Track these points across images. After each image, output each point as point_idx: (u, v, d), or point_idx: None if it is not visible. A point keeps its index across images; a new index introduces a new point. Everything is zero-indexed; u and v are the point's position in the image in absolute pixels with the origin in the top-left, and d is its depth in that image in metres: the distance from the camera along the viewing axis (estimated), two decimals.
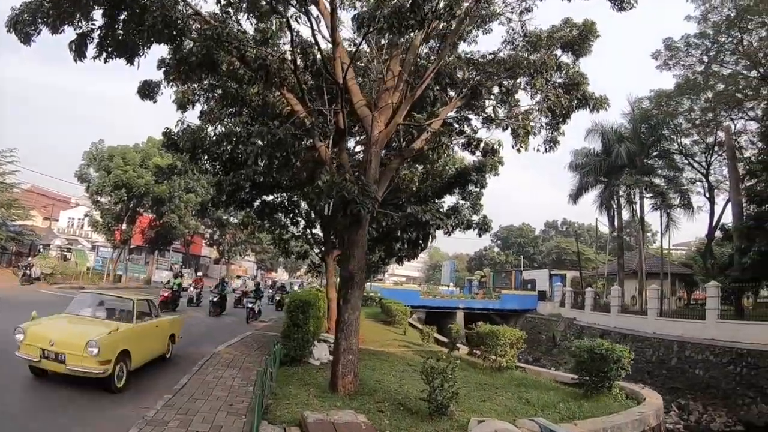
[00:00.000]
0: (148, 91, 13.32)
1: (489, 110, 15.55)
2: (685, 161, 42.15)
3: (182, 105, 15.47)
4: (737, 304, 28.71)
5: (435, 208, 10.79)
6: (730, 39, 32.40)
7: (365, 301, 47.46)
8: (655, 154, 42.40)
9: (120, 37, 10.36)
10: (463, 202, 22.11)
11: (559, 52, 14.93)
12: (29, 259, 39.64)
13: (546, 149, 15.41)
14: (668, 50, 35.21)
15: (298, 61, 11.55)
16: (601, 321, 38.13)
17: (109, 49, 10.24)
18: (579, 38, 14.71)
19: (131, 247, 57.93)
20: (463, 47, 16.27)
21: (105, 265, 52.97)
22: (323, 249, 23.01)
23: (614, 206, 45.06)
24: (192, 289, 33.04)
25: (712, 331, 26.31)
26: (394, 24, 8.70)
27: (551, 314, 48.06)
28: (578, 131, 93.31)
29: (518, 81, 15.03)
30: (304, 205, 22.22)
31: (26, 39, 10.09)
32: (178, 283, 28.80)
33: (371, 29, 9.55)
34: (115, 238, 48.21)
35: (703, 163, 41.31)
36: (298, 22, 11.36)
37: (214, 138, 15.87)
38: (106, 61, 10.27)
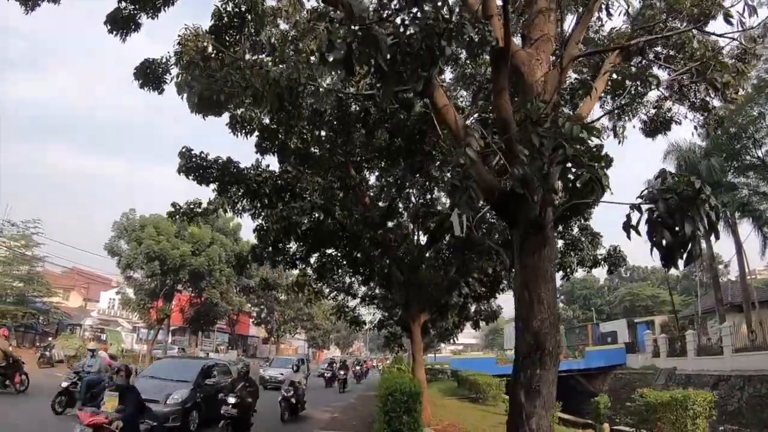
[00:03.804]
0: None
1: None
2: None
3: None
4: None
5: None
6: None
7: (434, 375, 42.28)
8: (731, 171, 37.45)
9: None
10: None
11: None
12: (50, 339, 35.33)
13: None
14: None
15: None
16: (712, 366, 32.85)
17: None
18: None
19: (173, 328, 54.51)
20: None
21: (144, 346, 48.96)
22: (405, 313, 17.41)
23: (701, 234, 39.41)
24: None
25: None
26: None
27: (644, 367, 42.81)
28: (634, 161, 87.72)
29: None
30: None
31: None
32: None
33: None
34: (150, 317, 44.03)
35: None
36: None
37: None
38: None
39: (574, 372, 45.85)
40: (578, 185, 4.34)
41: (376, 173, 17.97)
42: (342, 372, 33.27)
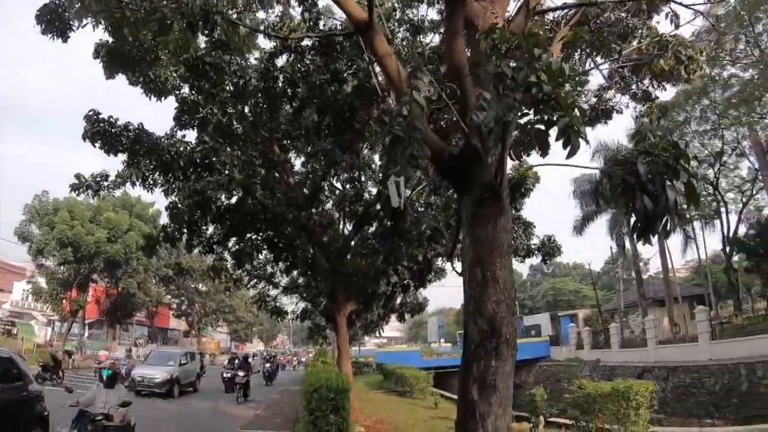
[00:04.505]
0: None
1: None
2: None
3: None
4: None
5: None
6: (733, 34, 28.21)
7: (360, 368, 41.45)
8: None
9: None
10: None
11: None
12: None
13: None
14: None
15: None
16: (636, 357, 34.19)
17: None
18: None
19: (89, 321, 52.23)
20: None
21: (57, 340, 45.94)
22: (331, 303, 16.61)
23: (624, 232, 42.14)
24: None
25: None
26: None
27: (569, 359, 44.05)
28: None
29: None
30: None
31: None
32: None
33: None
34: (64, 308, 41.50)
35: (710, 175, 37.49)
36: None
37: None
38: None
39: None
40: (549, 135, 3.54)
41: (303, 158, 17.21)
42: (242, 374, 24.23)
